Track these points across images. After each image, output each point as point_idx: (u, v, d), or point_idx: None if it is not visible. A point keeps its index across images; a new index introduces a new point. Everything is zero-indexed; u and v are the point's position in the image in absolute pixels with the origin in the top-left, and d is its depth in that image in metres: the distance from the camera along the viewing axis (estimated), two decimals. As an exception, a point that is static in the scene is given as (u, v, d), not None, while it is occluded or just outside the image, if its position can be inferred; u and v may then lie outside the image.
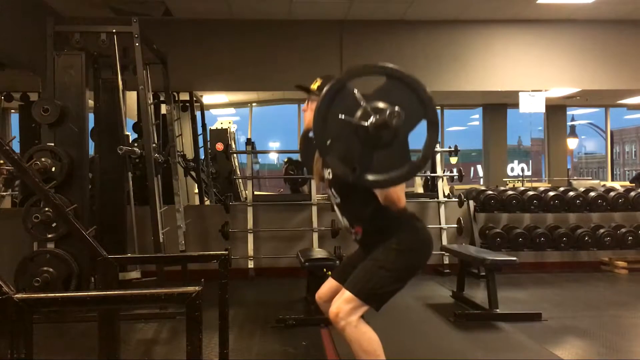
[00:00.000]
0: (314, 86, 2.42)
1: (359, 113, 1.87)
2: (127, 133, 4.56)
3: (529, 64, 6.62)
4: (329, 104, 1.88)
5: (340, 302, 2.20)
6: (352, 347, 2.21)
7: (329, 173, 2.40)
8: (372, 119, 1.84)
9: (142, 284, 4.75)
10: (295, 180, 7.40)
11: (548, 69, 6.64)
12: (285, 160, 7.67)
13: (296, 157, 7.25)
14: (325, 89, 1.90)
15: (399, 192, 2.16)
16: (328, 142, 1.90)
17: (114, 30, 4.41)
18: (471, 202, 6.17)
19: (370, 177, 1.92)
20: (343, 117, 1.87)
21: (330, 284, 2.50)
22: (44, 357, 3.26)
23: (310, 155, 2.57)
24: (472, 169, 18.37)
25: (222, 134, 8.84)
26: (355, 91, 1.89)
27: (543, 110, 6.72)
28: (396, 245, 2.25)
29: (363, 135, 1.87)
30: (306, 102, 2.53)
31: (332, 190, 2.40)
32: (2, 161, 6.42)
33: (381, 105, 1.85)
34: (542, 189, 6.42)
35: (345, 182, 2.25)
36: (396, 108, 1.81)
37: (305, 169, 7.21)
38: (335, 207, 2.46)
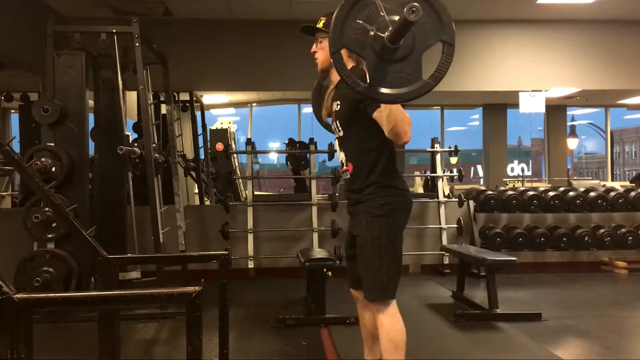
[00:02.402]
0: (320, 24, 2.44)
1: (378, 21, 1.83)
2: (127, 133, 4.55)
3: (529, 64, 6.62)
4: (349, 10, 1.83)
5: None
6: (379, 330, 2.28)
7: (337, 104, 2.43)
8: (390, 30, 1.79)
9: (142, 284, 4.75)
10: (297, 162, 7.39)
11: (548, 69, 6.63)
12: (287, 141, 7.67)
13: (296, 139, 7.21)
14: None
15: (405, 126, 2.13)
16: (342, 49, 1.86)
17: (114, 30, 4.41)
18: (471, 202, 6.17)
19: (381, 90, 1.87)
20: (361, 22, 1.82)
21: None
22: (44, 357, 3.25)
23: (321, 102, 2.62)
24: (472, 169, 18.35)
25: (222, 134, 8.83)
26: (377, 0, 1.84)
27: (543, 110, 6.71)
28: (380, 211, 2.30)
29: (379, 47, 1.84)
30: (315, 43, 2.53)
31: (337, 122, 2.44)
32: None
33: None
34: (542, 189, 6.42)
35: (351, 112, 2.32)
36: (415, 2, 1.72)
37: (307, 159, 7.22)
38: (336, 143, 2.50)
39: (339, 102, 2.42)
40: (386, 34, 1.81)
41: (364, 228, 2.32)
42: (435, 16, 1.86)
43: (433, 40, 1.89)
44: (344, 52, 1.92)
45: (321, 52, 2.49)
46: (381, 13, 1.83)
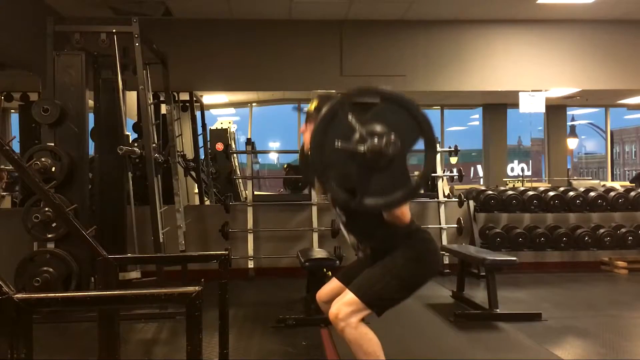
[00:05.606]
0: (311, 107, 2.40)
1: (355, 138, 1.88)
2: (127, 133, 4.55)
3: (529, 64, 6.62)
4: (325, 130, 1.89)
5: (342, 304, 2.19)
6: (351, 348, 2.21)
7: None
8: (368, 144, 1.85)
9: (142, 284, 4.75)
10: (295, 184, 7.40)
11: (548, 69, 6.63)
12: (285, 166, 7.64)
13: (295, 158, 7.19)
14: (319, 117, 1.91)
15: (403, 208, 2.15)
16: (326, 170, 1.92)
17: (114, 30, 4.41)
18: (471, 202, 6.17)
19: (370, 201, 1.94)
20: (339, 144, 1.88)
21: (332, 285, 2.49)
22: (44, 357, 3.25)
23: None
24: (472, 169, 18.35)
25: (222, 134, 8.84)
26: (350, 117, 1.89)
27: (543, 110, 6.71)
28: (403, 253, 2.25)
29: (361, 159, 1.88)
30: (304, 123, 2.48)
31: (337, 209, 2.38)
32: (2, 166, 6.47)
33: (377, 128, 1.87)
34: (542, 189, 6.42)
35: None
36: (392, 136, 1.81)
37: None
38: (341, 226, 2.45)
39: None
40: (365, 147, 1.86)
41: (387, 258, 2.26)
42: (410, 118, 1.92)
43: (413, 141, 1.95)
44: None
45: (309, 133, 2.38)
46: (357, 128, 1.88)
